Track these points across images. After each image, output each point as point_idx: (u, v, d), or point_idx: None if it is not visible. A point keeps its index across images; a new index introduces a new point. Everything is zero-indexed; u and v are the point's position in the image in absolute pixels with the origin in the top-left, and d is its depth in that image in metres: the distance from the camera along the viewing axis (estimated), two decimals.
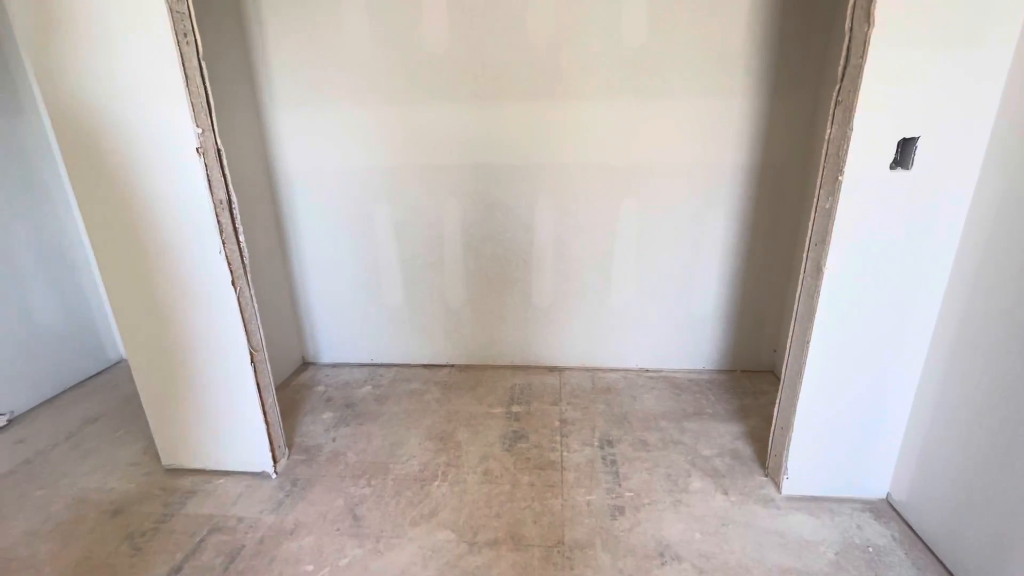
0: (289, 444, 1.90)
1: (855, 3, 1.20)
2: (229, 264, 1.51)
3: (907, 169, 1.24)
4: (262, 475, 1.75)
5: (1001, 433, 1.19)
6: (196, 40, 1.36)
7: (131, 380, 1.69)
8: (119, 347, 2.59)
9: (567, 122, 2.04)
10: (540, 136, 2.07)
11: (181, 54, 1.33)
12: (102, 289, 2.44)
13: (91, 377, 2.47)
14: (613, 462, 1.79)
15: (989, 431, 1.22)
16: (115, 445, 1.95)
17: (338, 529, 1.52)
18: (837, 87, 1.28)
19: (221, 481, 1.73)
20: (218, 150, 1.46)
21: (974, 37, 1.14)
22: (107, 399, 2.27)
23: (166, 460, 1.79)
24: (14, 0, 1.31)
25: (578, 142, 2.07)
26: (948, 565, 1.34)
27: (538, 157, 2.10)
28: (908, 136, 1.22)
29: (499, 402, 2.18)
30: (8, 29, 2.08)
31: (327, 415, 2.12)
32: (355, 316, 2.46)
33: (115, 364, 2.58)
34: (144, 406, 1.72)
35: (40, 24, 1.32)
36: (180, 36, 1.32)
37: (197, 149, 1.39)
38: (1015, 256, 1.16)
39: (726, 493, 1.63)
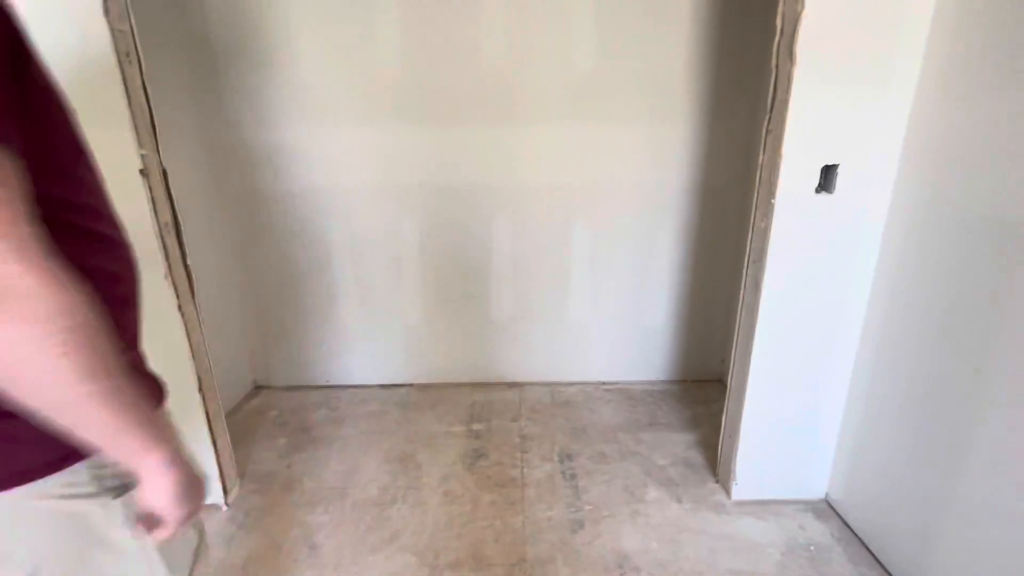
0: (241, 473, 1.83)
1: (779, 42, 1.32)
2: (175, 288, 1.46)
3: (830, 193, 1.36)
4: (212, 507, 1.67)
5: (921, 431, 1.30)
6: (139, 60, 1.33)
7: None
8: None
9: (520, 144, 2.10)
10: (495, 158, 2.12)
11: (123, 74, 1.29)
12: None
13: None
14: (573, 476, 1.82)
15: (911, 430, 1.34)
16: None
17: (295, 560, 1.47)
18: (767, 117, 1.39)
19: None
20: (163, 171, 1.41)
21: (881, 76, 1.28)
22: None
23: None
24: None
25: (531, 163, 2.13)
26: (880, 559, 1.44)
27: (493, 178, 2.15)
28: (829, 163, 1.34)
29: (459, 420, 2.18)
30: None
31: (281, 441, 2.05)
32: (309, 337, 2.40)
33: None
34: None
35: None
36: (122, 55, 1.28)
37: (140, 171, 1.34)
38: (925, 269, 1.29)
39: (680, 501, 1.69)
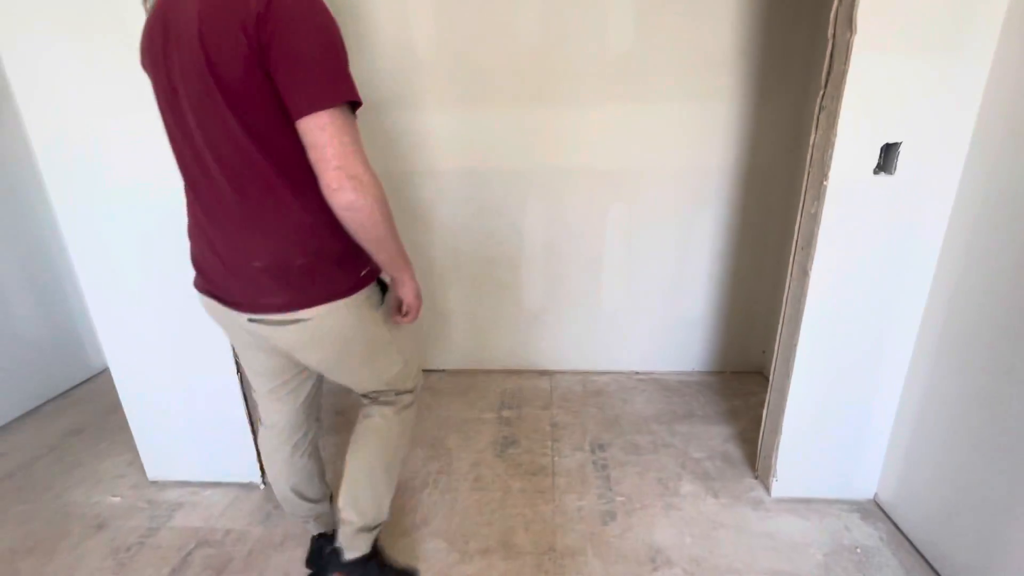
0: None
1: (837, 10, 1.21)
2: None
3: (890, 174, 1.26)
4: (250, 486, 1.73)
5: (984, 432, 1.21)
6: None
7: (115, 390, 1.66)
8: (103, 356, 2.55)
9: (555, 127, 2.04)
10: (529, 141, 2.07)
11: None
12: (86, 297, 2.40)
13: (75, 387, 2.43)
14: (604, 466, 1.79)
15: (972, 431, 1.24)
16: (99, 457, 1.91)
17: None
18: (821, 93, 1.29)
19: (208, 492, 1.71)
20: None
21: (953, 44, 1.16)
22: (91, 410, 2.23)
23: (151, 472, 1.76)
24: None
25: (566, 146, 2.07)
26: (934, 565, 1.36)
27: (527, 161, 2.10)
28: (891, 142, 1.23)
29: (490, 407, 2.17)
30: None
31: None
32: None
33: (99, 373, 2.54)
34: (128, 417, 1.70)
35: (20, 32, 1.30)
36: None
37: None
38: (996, 258, 1.18)
39: (716, 496, 1.64)
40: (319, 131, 0.82)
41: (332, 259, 0.98)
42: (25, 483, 1.79)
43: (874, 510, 1.57)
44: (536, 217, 2.19)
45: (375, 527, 1.23)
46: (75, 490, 1.75)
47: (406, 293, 1.11)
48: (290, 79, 0.81)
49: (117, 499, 1.70)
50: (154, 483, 1.76)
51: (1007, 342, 1.15)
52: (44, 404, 2.29)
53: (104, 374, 2.53)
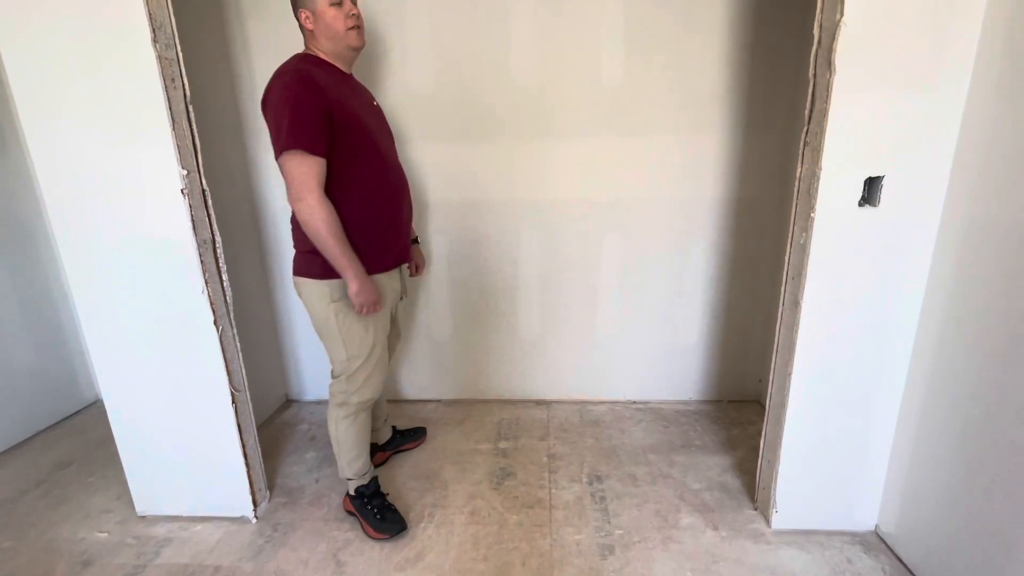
0: (270, 486, 1.85)
1: (817, 52, 1.27)
2: (212, 303, 1.50)
3: (875, 206, 1.29)
4: (241, 520, 1.69)
5: (982, 461, 1.21)
6: (184, 85, 1.39)
7: (107, 422, 1.64)
8: (96, 387, 2.53)
9: (550, 160, 2.10)
10: (524, 173, 2.12)
11: (168, 98, 1.35)
12: (83, 328, 2.39)
13: (65, 419, 2.39)
14: (602, 499, 1.76)
15: (969, 460, 1.24)
16: (87, 492, 1.87)
17: None
18: (805, 129, 1.34)
19: (198, 528, 1.67)
20: (203, 191, 1.47)
21: (929, 82, 1.21)
22: (81, 442, 2.20)
23: (140, 507, 1.73)
24: (5, 42, 1.32)
25: (561, 179, 2.12)
26: None
27: (523, 193, 2.15)
28: (873, 175, 1.27)
29: (486, 438, 2.15)
30: None
31: (311, 455, 2.07)
32: None
33: (91, 405, 2.51)
34: (119, 449, 1.67)
35: (31, 66, 1.34)
36: (168, 81, 1.35)
37: (182, 190, 1.40)
38: (983, 285, 1.20)
39: (716, 528, 1.62)
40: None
41: (312, 252, 1.41)
42: (10, 519, 1.74)
43: (876, 542, 1.54)
44: (532, 248, 2.22)
45: (347, 479, 1.66)
46: (62, 526, 1.70)
47: (349, 289, 1.39)
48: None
49: (104, 535, 1.66)
50: (143, 518, 1.72)
51: (999, 368, 1.16)
52: (34, 436, 2.25)
53: (95, 406, 2.50)
